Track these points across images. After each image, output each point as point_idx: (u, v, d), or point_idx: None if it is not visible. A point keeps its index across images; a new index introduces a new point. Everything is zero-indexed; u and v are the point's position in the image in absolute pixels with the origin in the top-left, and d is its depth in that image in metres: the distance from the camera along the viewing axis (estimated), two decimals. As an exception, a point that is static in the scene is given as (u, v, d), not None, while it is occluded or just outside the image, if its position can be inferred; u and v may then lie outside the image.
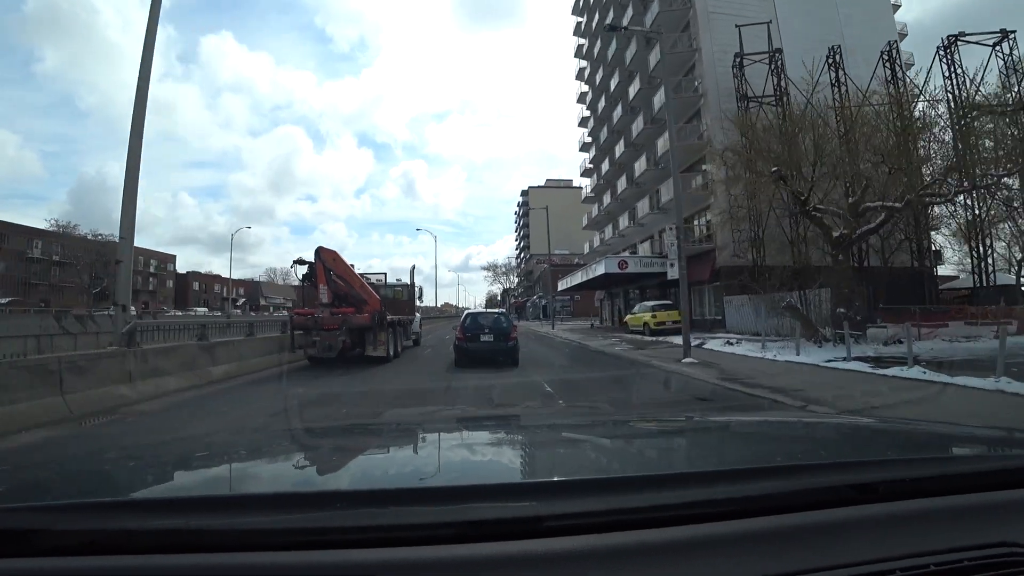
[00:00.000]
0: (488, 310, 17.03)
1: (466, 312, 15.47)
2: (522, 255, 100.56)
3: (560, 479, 1.12)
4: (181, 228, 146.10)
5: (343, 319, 12.03)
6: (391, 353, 13.40)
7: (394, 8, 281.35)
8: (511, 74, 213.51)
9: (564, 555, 0.74)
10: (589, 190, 41.73)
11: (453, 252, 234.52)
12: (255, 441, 1.84)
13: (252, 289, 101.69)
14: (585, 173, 44.13)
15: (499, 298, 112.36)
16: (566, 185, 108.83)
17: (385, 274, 18.79)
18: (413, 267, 34.16)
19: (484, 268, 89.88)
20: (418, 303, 20.54)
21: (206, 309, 68.82)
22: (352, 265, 13.63)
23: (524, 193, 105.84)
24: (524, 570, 0.72)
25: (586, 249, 44.12)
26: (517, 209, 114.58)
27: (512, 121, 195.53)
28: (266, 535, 0.78)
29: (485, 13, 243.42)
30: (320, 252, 12.60)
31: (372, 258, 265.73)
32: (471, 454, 1.53)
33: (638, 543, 0.76)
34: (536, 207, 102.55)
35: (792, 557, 0.76)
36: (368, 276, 16.00)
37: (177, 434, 5.00)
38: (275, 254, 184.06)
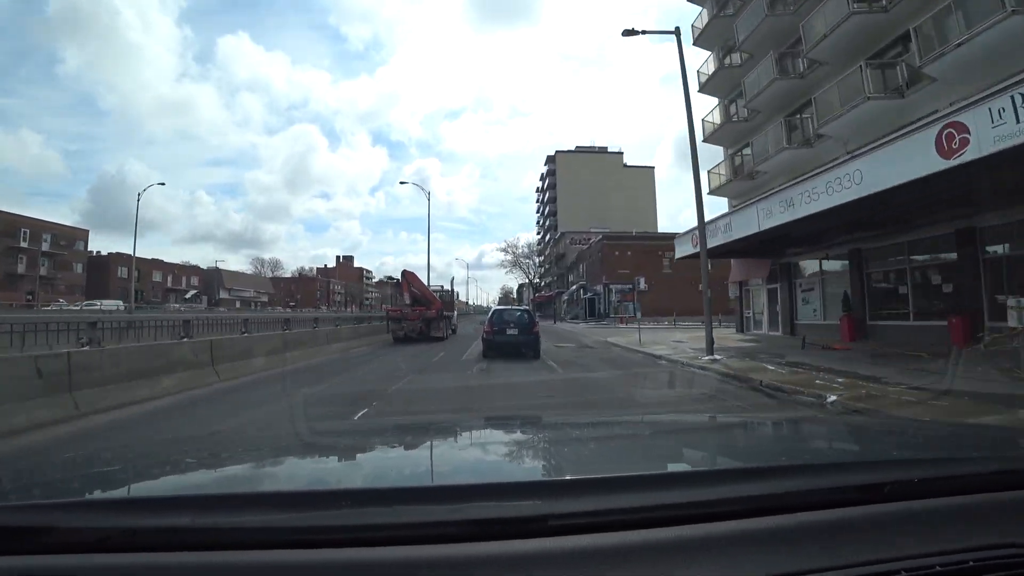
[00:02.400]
0: (512, 307, 21.50)
1: (492, 309, 17.90)
2: (547, 238, 78.88)
3: (565, 478, 1.13)
4: (199, 226, 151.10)
5: (420, 313, 20.20)
6: (445, 335, 21.56)
7: (409, 7, 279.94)
8: (526, 72, 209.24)
9: (569, 554, 0.74)
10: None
11: (466, 250, 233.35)
12: (261, 440, 1.82)
13: (209, 278, 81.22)
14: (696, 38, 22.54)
15: (514, 295, 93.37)
16: (600, 151, 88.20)
17: (442, 285, 29.11)
18: (452, 279, 41.30)
19: (501, 250, 67.87)
20: (457, 303, 32.63)
21: (120, 302, 48.50)
22: (412, 274, 22.50)
23: (550, 160, 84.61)
24: (530, 569, 0.72)
25: (719, 174, 22.29)
26: (539, 184, 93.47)
27: (527, 119, 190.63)
28: (271, 533, 0.78)
29: (500, 12, 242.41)
30: (404, 273, 22.08)
31: (386, 255, 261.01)
32: (476, 453, 1.55)
33: (644, 542, 0.76)
34: (566, 175, 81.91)
35: (798, 557, 0.76)
36: (433, 286, 25.46)
37: (184, 433, 5.17)
38: (290, 251, 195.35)
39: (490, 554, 0.73)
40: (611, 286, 40.78)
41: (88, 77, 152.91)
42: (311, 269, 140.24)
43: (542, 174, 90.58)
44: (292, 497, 0.95)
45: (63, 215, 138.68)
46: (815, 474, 0.97)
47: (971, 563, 0.77)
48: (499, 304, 74.51)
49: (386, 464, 1.41)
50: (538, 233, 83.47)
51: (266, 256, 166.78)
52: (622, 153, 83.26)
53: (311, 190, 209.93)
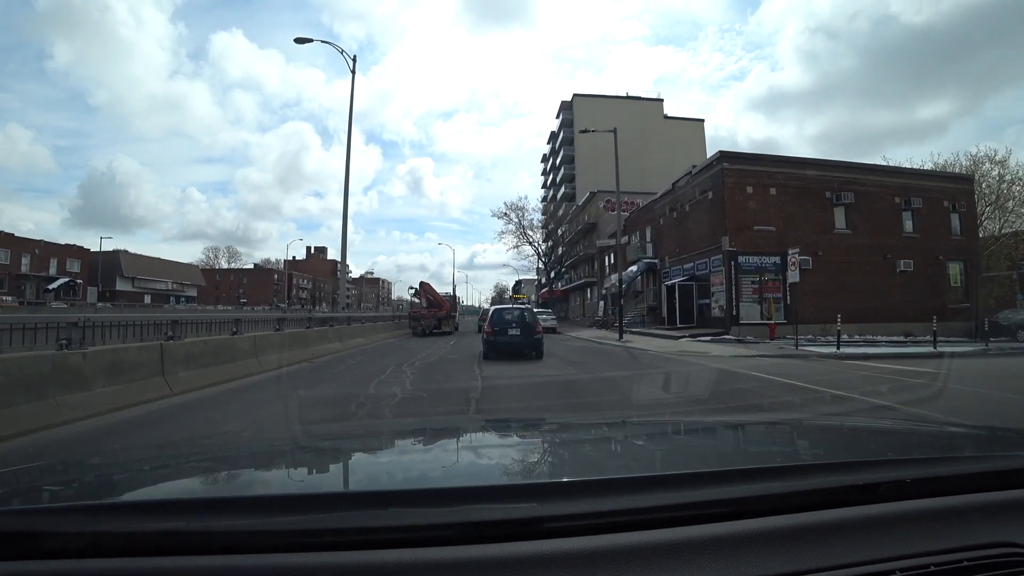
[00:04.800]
0: (513, 305, 18.15)
1: (492, 309, 16.54)
2: (561, 212, 57.06)
3: (561, 480, 1.13)
4: (190, 224, 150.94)
5: (434, 314, 25.71)
6: (452, 331, 27.14)
7: (403, 7, 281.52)
8: (519, 74, 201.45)
9: (565, 556, 0.74)
10: None
11: (459, 250, 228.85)
12: (257, 443, 1.83)
13: (104, 264, 58.85)
14: None
15: (509, 293, 73.47)
16: (632, 98, 67.07)
17: (447, 292, 35.59)
18: (455, 286, 46.92)
19: (501, 216, 46.32)
20: (459, 305, 37.96)
21: None
22: (427, 284, 28.46)
23: (564, 108, 63.16)
24: (526, 571, 0.72)
25: None
26: (547, 149, 72.34)
27: (519, 121, 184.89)
28: (268, 537, 0.78)
29: (494, 13, 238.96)
30: (422, 284, 28.12)
31: (378, 255, 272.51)
32: (472, 455, 1.53)
33: (639, 544, 0.76)
34: (586, 126, 60.35)
35: (793, 557, 0.77)
36: (446, 293, 33.06)
37: (180, 436, 4.94)
38: (281, 249, 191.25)
39: (486, 556, 0.73)
40: (742, 259, 19.36)
41: (78, 73, 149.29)
42: (277, 261, 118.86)
43: (552, 132, 69.18)
44: (288, 500, 0.95)
45: (52, 211, 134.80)
46: (809, 475, 0.97)
47: (965, 562, 0.77)
48: (492, 304, 62.56)
49: (382, 467, 1.39)
50: (544, 214, 60.67)
51: (256, 252, 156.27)
52: (661, 101, 62.03)
53: (303, 188, 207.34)
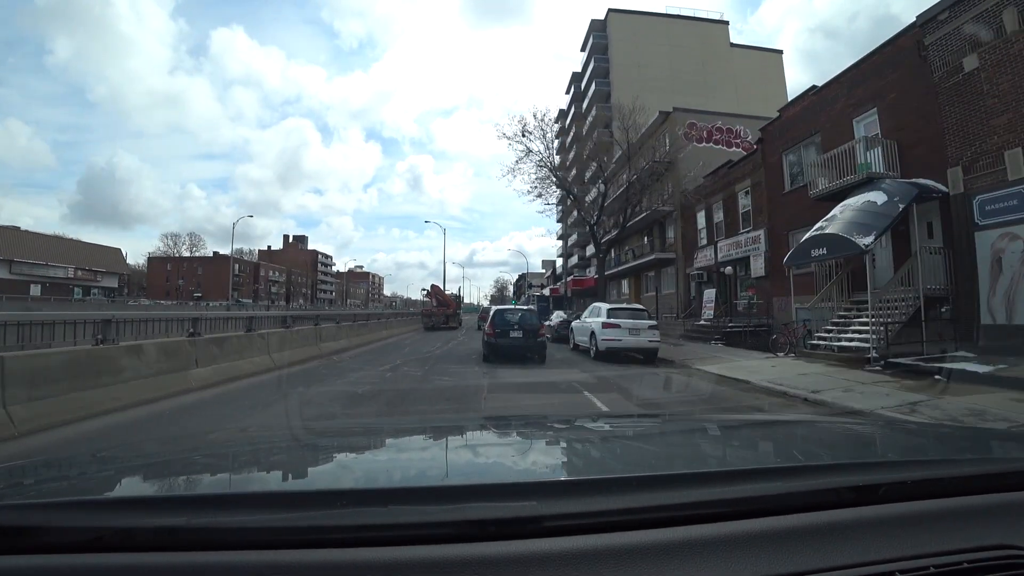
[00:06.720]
0: (516, 306, 17.31)
1: (495, 308, 15.47)
2: (594, 173, 39.73)
3: (561, 479, 1.15)
4: (188, 219, 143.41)
5: (443, 311, 32.31)
6: (457, 326, 32.81)
7: (404, 3, 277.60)
8: (519, 71, 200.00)
9: (565, 555, 0.74)
10: None
11: (458, 247, 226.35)
12: (256, 440, 1.82)
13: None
14: None
15: (511, 291, 60.95)
16: (690, 17, 50.51)
17: (453, 292, 43.76)
18: (460, 288, 52.60)
19: (511, 139, 24.69)
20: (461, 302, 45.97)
21: None
22: (437, 287, 35.12)
23: (596, 29, 46.13)
24: (525, 570, 0.72)
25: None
26: (568, 95, 55.68)
27: (521, 119, 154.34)
28: (267, 533, 0.78)
29: (494, 10, 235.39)
30: (432, 286, 36.10)
31: (378, 252, 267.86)
32: (472, 454, 1.53)
33: (639, 544, 0.76)
34: (628, 55, 37.99)
35: (792, 558, 0.77)
36: (451, 293, 39.97)
37: (180, 433, 5.07)
38: (281, 245, 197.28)
39: (486, 555, 0.73)
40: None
41: (78, 68, 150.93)
42: (251, 252, 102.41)
43: (575, 74, 52.37)
44: (288, 497, 0.96)
45: (51, 207, 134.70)
46: (810, 475, 0.97)
47: (965, 564, 0.77)
48: (492, 302, 62.71)
49: (383, 464, 1.39)
50: (558, 185, 40.87)
51: (253, 248, 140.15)
52: (726, 23, 45.60)
53: (303, 185, 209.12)
